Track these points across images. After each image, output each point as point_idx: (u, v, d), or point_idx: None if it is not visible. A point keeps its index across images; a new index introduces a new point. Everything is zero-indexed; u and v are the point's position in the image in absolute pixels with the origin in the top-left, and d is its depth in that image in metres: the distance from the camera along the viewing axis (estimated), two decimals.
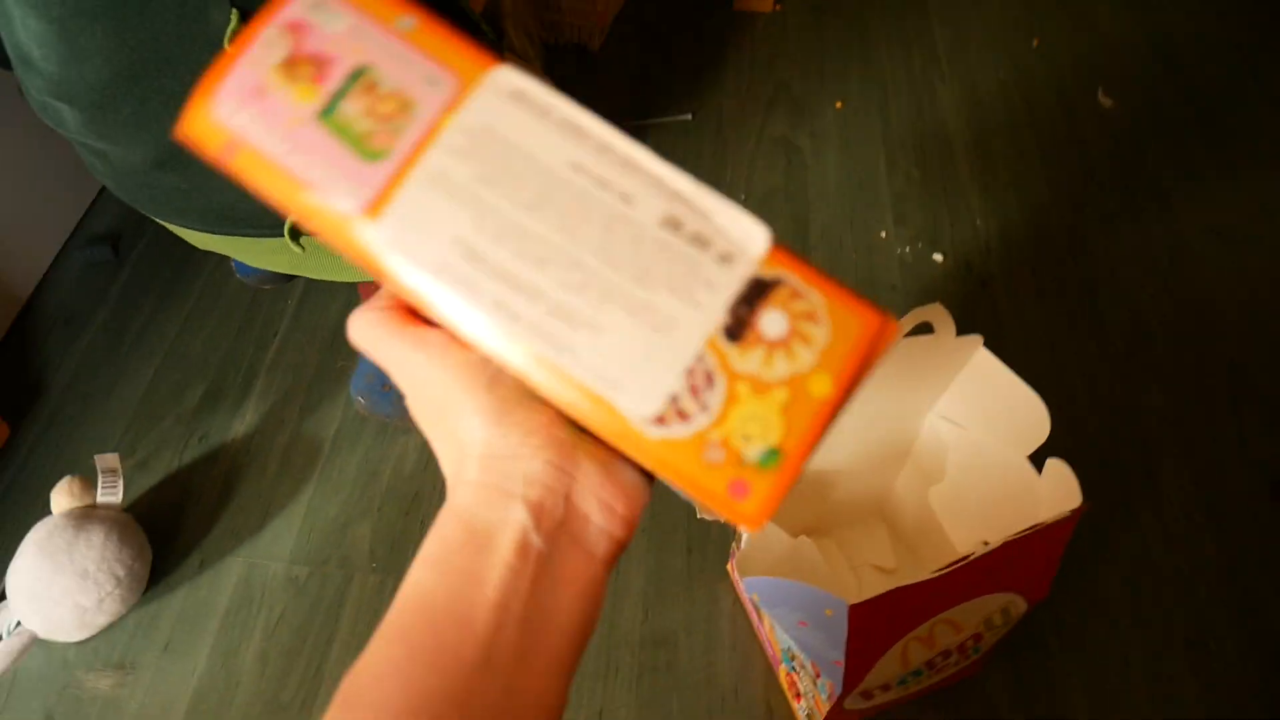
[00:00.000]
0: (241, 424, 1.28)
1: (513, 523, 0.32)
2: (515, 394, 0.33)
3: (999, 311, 1.33)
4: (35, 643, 1.03)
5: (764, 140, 1.60)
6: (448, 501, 0.35)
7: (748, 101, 1.67)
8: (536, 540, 0.34)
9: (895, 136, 1.59)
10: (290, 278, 1.42)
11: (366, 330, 0.35)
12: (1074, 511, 0.77)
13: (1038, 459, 0.87)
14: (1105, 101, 1.61)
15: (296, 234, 0.85)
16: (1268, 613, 1.05)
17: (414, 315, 0.35)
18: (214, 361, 1.36)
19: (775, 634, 0.95)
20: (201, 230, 0.86)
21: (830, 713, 0.89)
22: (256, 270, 1.39)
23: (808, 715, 0.93)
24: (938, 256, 1.40)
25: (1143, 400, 1.22)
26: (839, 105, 1.65)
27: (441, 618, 0.34)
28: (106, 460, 1.09)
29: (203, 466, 1.24)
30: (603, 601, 0.38)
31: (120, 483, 1.08)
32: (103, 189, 1.58)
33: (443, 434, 0.35)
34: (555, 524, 0.33)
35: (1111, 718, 0.99)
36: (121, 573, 1.01)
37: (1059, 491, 0.83)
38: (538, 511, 0.32)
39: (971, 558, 0.73)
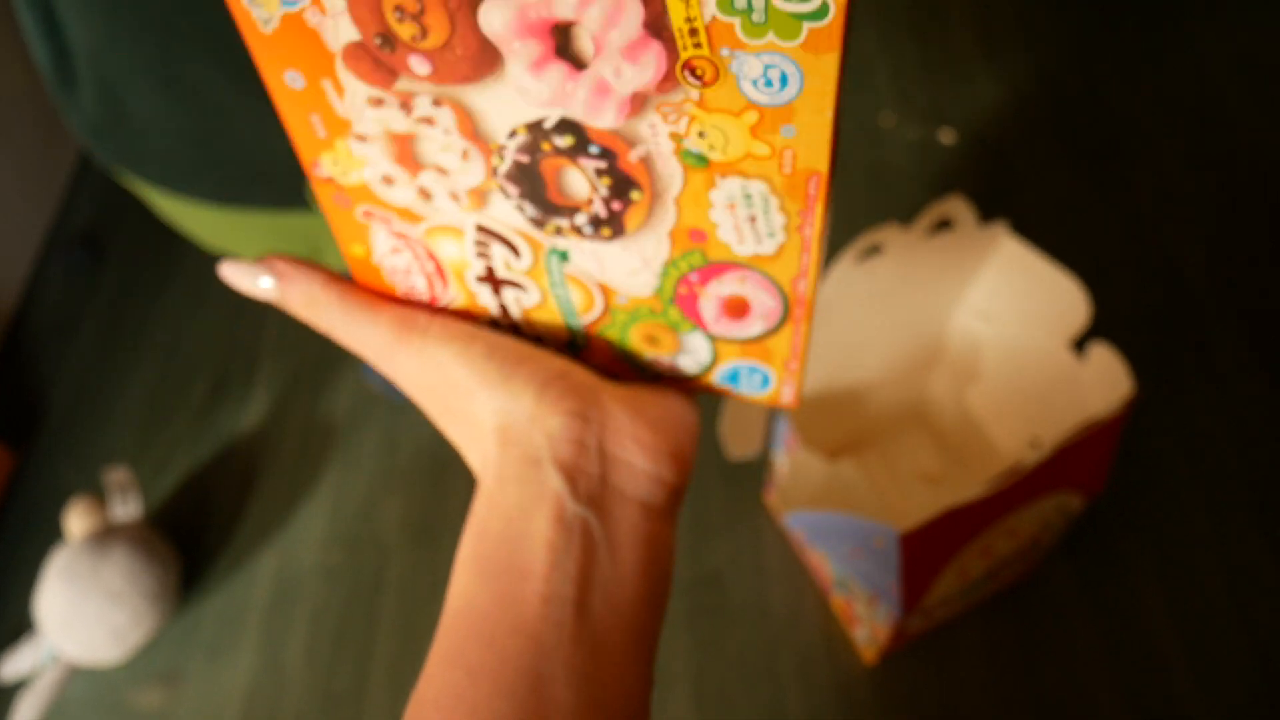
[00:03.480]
0: (252, 413, 1.24)
1: (547, 494, 0.29)
2: (519, 353, 0.29)
3: (1021, 185, 1.25)
4: (75, 671, 1.01)
5: None
6: (478, 490, 0.32)
7: None
8: (575, 507, 0.30)
9: (885, 9, 1.48)
10: None
11: (325, 310, 0.30)
12: (1126, 400, 0.72)
13: (1081, 344, 0.82)
14: None
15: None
16: None
17: (363, 291, 0.31)
18: (214, 352, 1.32)
19: (825, 563, 0.91)
20: (213, 201, 0.70)
21: (891, 636, 0.86)
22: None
23: (869, 639, 0.90)
24: (948, 136, 1.32)
25: (1183, 262, 1.15)
26: None
27: (493, 627, 0.30)
28: (115, 476, 1.06)
29: (220, 462, 1.20)
30: (673, 558, 0.34)
31: (135, 495, 1.05)
32: (67, 188, 1.52)
33: (456, 421, 0.31)
34: (594, 482, 0.29)
35: (1185, 593, 0.95)
36: (152, 586, 0.98)
37: (1106, 377, 0.78)
38: (571, 472, 0.29)
39: (1023, 468, 0.68)
